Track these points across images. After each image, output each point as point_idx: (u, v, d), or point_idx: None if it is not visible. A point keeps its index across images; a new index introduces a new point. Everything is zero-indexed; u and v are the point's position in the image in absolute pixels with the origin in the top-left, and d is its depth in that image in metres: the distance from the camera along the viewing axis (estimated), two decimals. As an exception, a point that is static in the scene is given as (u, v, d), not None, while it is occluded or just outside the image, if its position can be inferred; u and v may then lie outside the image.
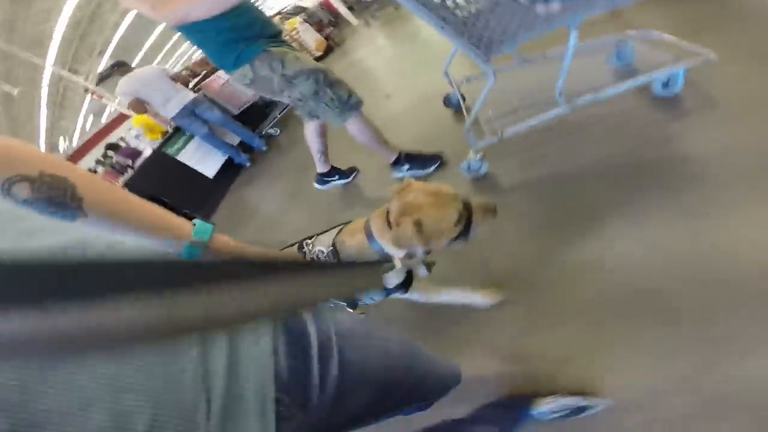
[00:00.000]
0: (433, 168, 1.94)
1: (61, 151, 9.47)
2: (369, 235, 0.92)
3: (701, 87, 1.52)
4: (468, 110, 1.82)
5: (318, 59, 6.25)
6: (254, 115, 4.29)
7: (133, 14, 8.48)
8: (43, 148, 8.08)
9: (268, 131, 4.20)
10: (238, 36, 1.45)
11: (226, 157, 3.73)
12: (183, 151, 3.67)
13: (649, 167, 1.37)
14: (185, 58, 14.33)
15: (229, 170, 3.92)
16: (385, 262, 0.90)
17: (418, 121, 2.50)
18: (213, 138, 3.52)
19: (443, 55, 2.07)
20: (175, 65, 13.75)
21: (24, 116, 8.35)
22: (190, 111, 3.23)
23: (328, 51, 6.62)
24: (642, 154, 1.43)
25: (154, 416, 0.28)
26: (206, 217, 3.33)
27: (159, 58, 12.68)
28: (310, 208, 2.44)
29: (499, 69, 1.95)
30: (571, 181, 1.50)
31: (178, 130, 3.59)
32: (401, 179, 1.88)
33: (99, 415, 0.26)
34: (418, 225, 0.82)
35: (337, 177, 2.27)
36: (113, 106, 3.61)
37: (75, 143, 9.43)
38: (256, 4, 1.56)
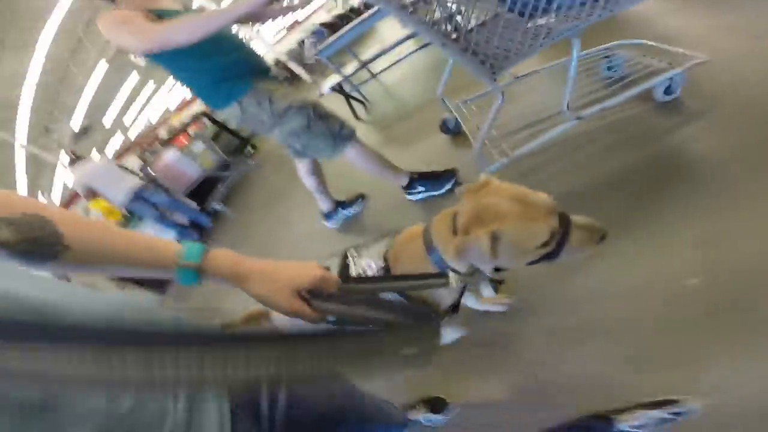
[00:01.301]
0: (449, 185, 1.81)
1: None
2: (428, 244, 0.74)
3: (702, 87, 1.51)
4: (473, 134, 1.74)
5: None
6: (204, 190, 4.60)
7: (102, 73, 8.50)
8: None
9: (215, 207, 4.40)
10: (225, 75, 1.42)
11: (175, 235, 3.93)
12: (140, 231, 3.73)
13: (665, 171, 1.32)
14: (156, 115, 14.37)
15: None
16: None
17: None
18: (163, 219, 3.79)
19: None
20: (144, 121, 13.74)
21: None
22: (137, 196, 3.53)
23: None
24: (655, 160, 1.39)
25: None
26: (162, 292, 3.31)
27: (129, 115, 12.66)
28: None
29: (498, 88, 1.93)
30: (590, 196, 1.41)
31: (132, 213, 3.86)
32: (419, 201, 1.87)
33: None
34: (495, 239, 0.63)
35: (341, 209, 2.15)
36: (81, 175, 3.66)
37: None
38: (243, 41, 1.53)
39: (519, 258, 0.68)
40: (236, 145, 5.51)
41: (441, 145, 2.24)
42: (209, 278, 0.50)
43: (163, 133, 5.99)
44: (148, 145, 5.85)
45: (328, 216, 2.16)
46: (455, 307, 0.83)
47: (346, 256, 0.85)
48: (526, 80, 1.88)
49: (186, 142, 4.84)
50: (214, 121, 5.25)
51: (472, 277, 0.70)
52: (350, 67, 3.64)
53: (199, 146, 4.77)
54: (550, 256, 0.68)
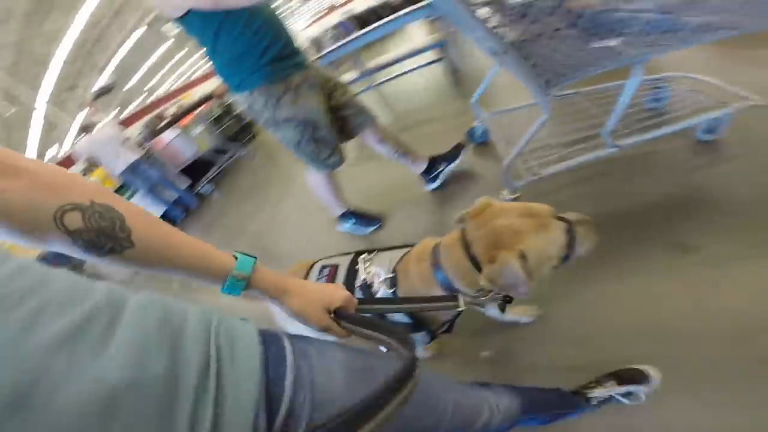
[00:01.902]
0: (373, 229, 1.99)
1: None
2: (435, 264, 0.77)
3: (745, 130, 1.47)
4: (503, 146, 1.72)
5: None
6: (198, 170, 4.86)
7: (138, 36, 8.59)
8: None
9: (203, 188, 4.67)
10: (247, 59, 1.38)
11: (163, 210, 4.22)
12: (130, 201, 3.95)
13: (692, 208, 1.32)
14: (179, 81, 14.51)
15: (165, 221, 4.11)
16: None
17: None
18: (152, 193, 4.08)
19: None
20: (170, 87, 13.92)
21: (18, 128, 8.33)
22: (133, 169, 3.79)
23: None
24: (679, 197, 1.38)
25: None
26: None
27: (155, 80, 12.83)
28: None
29: (532, 104, 1.91)
30: (614, 225, 1.38)
31: (124, 185, 4.17)
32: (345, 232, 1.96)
33: None
34: (524, 258, 0.64)
35: (439, 166, 2.01)
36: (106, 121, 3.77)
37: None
38: (284, 26, 1.48)
39: (546, 266, 0.70)
40: (237, 131, 5.73)
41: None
42: (253, 289, 0.53)
43: (171, 111, 6.24)
44: (156, 117, 6.18)
45: (428, 175, 2.01)
46: (450, 326, 0.85)
47: (356, 261, 0.87)
48: (565, 99, 1.86)
49: (189, 122, 5.10)
50: (220, 105, 5.52)
51: (480, 298, 0.72)
52: (351, 74, 3.76)
53: (199, 128, 5.02)
54: (567, 257, 0.71)
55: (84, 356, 0.28)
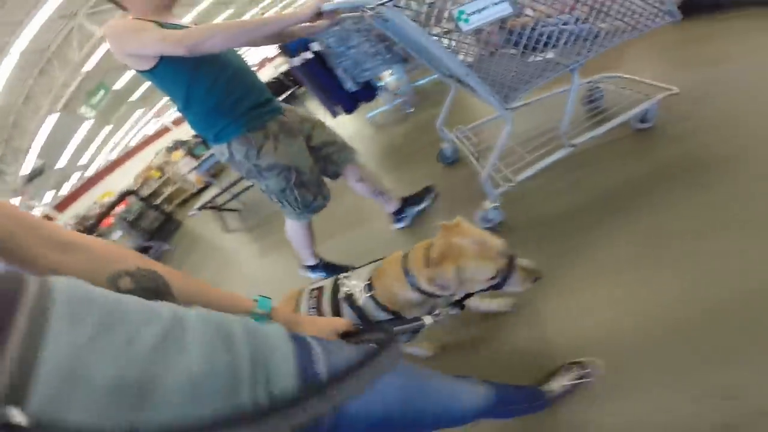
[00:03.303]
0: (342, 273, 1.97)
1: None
2: (405, 269, 0.92)
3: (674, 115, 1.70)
4: (477, 160, 1.81)
5: (201, 191, 6.67)
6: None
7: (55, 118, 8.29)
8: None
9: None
10: (222, 111, 1.35)
11: None
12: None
13: (653, 186, 1.46)
14: (106, 159, 13.93)
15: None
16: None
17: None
18: None
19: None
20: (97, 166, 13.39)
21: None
22: None
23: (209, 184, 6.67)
24: (633, 176, 1.55)
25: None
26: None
27: (83, 159, 12.18)
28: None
29: (492, 120, 2.04)
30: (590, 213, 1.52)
31: None
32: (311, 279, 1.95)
33: None
34: (458, 271, 0.84)
35: (408, 207, 2.03)
36: (38, 208, 3.47)
37: None
38: (254, 72, 1.48)
39: (474, 285, 0.88)
40: (161, 223, 5.70)
41: (438, 174, 2.31)
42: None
43: (95, 211, 6.45)
44: (82, 218, 6.58)
45: (397, 216, 2.03)
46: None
47: (336, 281, 1.05)
48: (522, 107, 2.01)
49: (112, 222, 5.15)
50: (140, 199, 5.61)
51: (438, 299, 0.94)
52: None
53: (116, 234, 5.19)
54: (495, 287, 0.89)
55: (173, 356, 0.38)
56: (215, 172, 6.38)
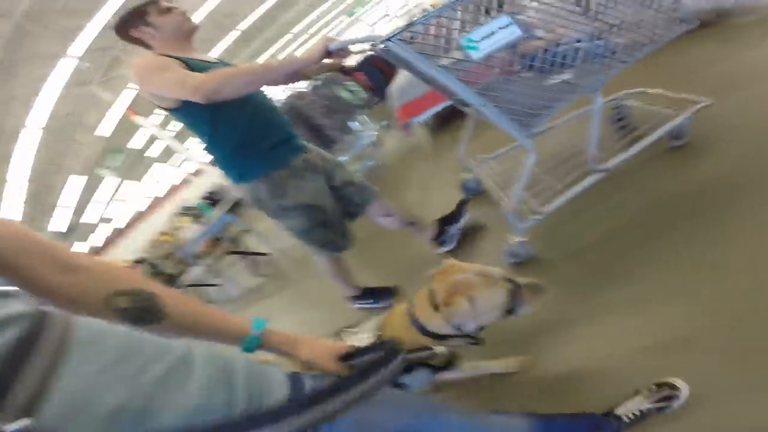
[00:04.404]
0: (389, 300, 1.88)
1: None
2: (412, 317, 0.92)
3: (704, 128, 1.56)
4: (503, 190, 1.68)
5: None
6: None
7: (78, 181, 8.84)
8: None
9: None
10: (245, 150, 1.34)
11: None
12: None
13: (690, 207, 1.33)
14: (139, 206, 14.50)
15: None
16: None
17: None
18: None
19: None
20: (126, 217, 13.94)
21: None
22: None
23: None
24: (672, 197, 1.41)
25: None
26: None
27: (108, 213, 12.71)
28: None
29: (516, 147, 1.92)
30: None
31: None
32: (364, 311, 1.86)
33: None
34: (472, 301, 0.84)
35: (447, 227, 1.93)
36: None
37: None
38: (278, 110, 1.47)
39: (491, 314, 0.89)
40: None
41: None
42: (267, 345, 0.63)
43: None
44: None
45: (439, 240, 1.93)
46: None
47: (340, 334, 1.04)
48: (545, 133, 1.90)
49: None
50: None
51: (449, 340, 0.91)
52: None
53: None
54: (511, 311, 0.89)
55: (173, 390, 0.43)
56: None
